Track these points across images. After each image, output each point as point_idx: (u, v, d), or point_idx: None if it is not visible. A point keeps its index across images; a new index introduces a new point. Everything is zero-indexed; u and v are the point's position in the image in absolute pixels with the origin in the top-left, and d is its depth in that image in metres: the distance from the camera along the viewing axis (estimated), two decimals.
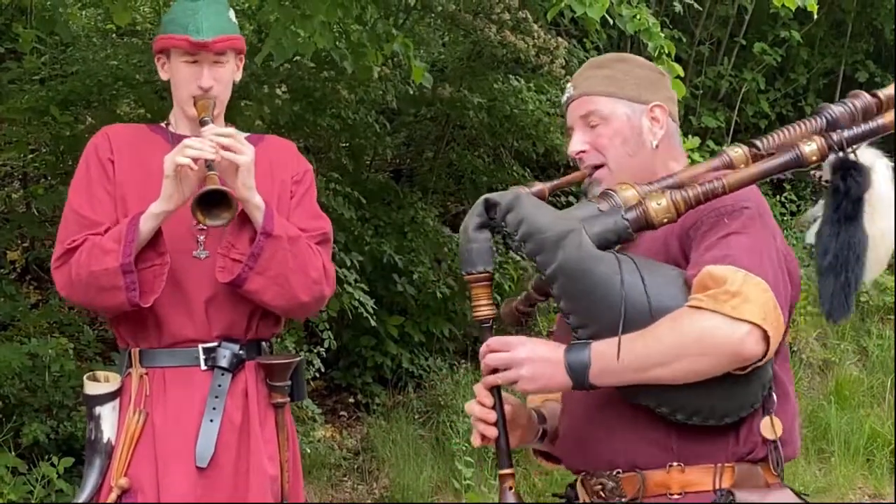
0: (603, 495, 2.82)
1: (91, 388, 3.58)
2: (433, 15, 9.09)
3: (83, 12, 9.63)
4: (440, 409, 8.15)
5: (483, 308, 2.77)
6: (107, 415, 3.55)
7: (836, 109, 2.78)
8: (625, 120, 2.95)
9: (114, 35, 9.20)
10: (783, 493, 2.80)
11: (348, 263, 7.52)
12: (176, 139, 3.60)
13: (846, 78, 12.08)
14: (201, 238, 3.58)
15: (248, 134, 3.73)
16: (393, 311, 8.51)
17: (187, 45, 3.56)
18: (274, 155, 3.73)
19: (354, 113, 8.37)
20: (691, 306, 2.60)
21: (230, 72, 3.68)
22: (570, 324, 2.70)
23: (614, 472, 2.80)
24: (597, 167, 2.96)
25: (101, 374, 3.63)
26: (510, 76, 9.11)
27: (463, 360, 8.76)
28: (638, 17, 6.01)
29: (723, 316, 2.56)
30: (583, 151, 2.97)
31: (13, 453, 6.14)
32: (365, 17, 6.69)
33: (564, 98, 3.05)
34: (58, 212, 7.83)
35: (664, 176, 2.83)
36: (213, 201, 3.34)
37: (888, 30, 11.75)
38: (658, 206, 2.69)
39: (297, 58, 7.26)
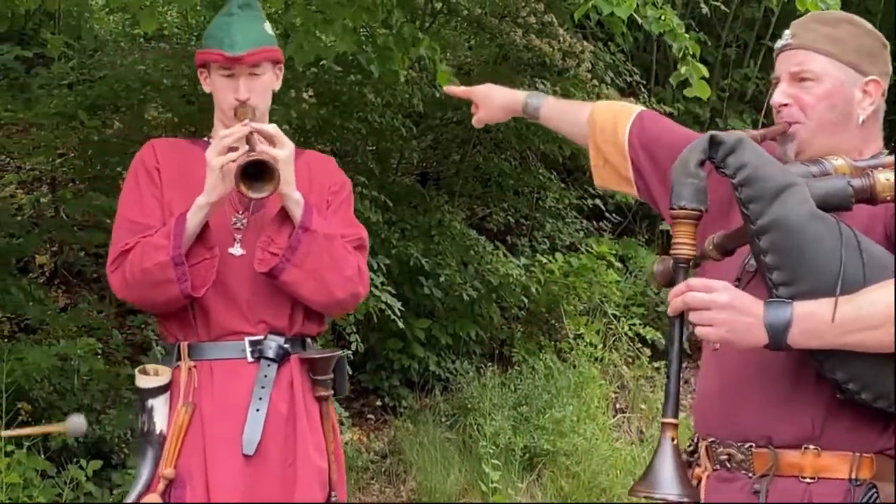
0: (728, 466, 2.79)
1: (143, 382, 3.68)
2: (459, 19, 9.10)
3: (111, 17, 9.69)
4: (467, 412, 8.15)
5: (684, 247, 2.61)
6: (159, 407, 3.65)
7: None
8: (838, 85, 2.84)
9: (141, 40, 9.24)
10: None
11: (375, 266, 7.53)
12: None
13: None
14: (238, 236, 3.71)
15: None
16: (420, 314, 8.51)
17: (222, 59, 3.67)
18: (314, 166, 3.86)
19: (381, 116, 8.39)
20: None
21: (268, 82, 3.77)
22: (771, 280, 2.60)
23: (746, 445, 2.76)
24: (791, 123, 2.87)
25: (150, 367, 3.74)
26: (536, 80, 9.09)
27: (490, 363, 8.76)
28: (663, 17, 6.00)
29: None
30: (785, 105, 2.87)
31: (42, 456, 6.15)
32: (391, 20, 6.71)
33: (779, 44, 2.94)
34: (86, 217, 7.90)
35: (873, 156, 2.80)
36: (255, 174, 3.47)
37: None
38: (887, 180, 2.62)
39: (324, 62, 7.28)
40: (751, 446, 2.75)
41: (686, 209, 2.60)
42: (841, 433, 2.68)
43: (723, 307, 2.57)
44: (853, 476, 2.67)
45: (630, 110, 3.29)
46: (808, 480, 2.69)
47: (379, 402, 8.36)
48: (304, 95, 7.72)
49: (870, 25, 2.94)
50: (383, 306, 7.34)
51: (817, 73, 2.83)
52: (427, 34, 7.18)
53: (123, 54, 8.61)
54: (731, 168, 2.61)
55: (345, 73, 7.95)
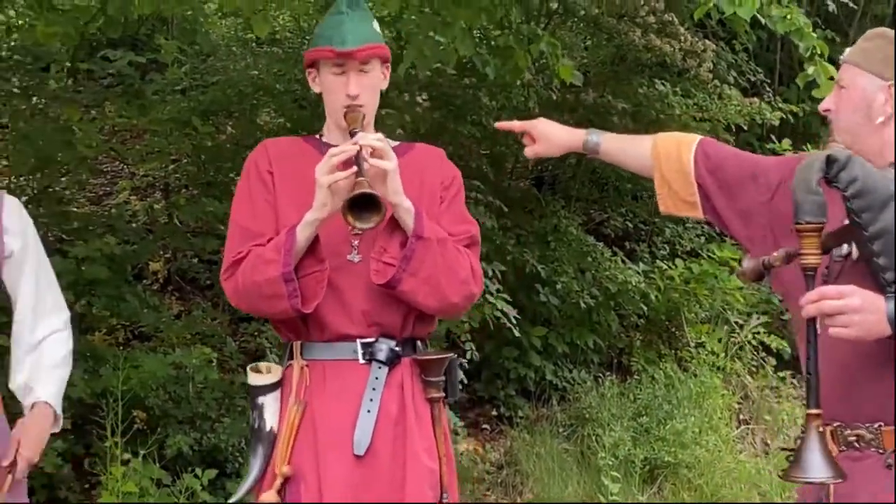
0: (858, 446, 3.09)
1: (254, 379, 3.79)
2: (575, 19, 9.10)
3: (223, 21, 9.84)
4: (585, 422, 8.13)
5: (811, 257, 2.93)
6: (269, 404, 3.76)
7: None
8: (860, 91, 3.21)
9: (254, 44, 9.38)
10: None
11: (490, 273, 7.54)
12: (327, 149, 3.75)
13: None
14: (355, 243, 3.75)
15: (398, 143, 3.94)
16: (536, 322, 8.52)
17: (333, 55, 3.74)
18: (423, 162, 3.91)
19: (495, 120, 8.40)
20: None
21: (376, 80, 3.84)
22: (884, 278, 2.93)
23: (875, 426, 3.07)
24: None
25: (262, 365, 3.84)
26: (655, 80, 9.07)
27: (608, 372, 8.73)
28: (788, 16, 5.95)
29: None
30: (828, 110, 3.29)
31: (158, 465, 6.26)
32: (507, 20, 6.74)
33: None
34: (200, 223, 8.04)
35: None
36: (362, 205, 3.53)
37: None
38: None
39: (438, 65, 7.33)
40: (880, 426, 3.06)
41: (811, 223, 2.92)
42: None
43: (856, 310, 2.89)
44: None
45: (691, 139, 3.61)
46: None
47: (494, 412, 8.39)
48: (418, 99, 7.77)
49: None
50: (499, 314, 7.35)
51: (847, 82, 3.26)
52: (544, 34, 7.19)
53: (236, 59, 8.76)
54: (843, 182, 2.94)
55: (459, 77, 7.99)
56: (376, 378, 3.71)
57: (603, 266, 8.67)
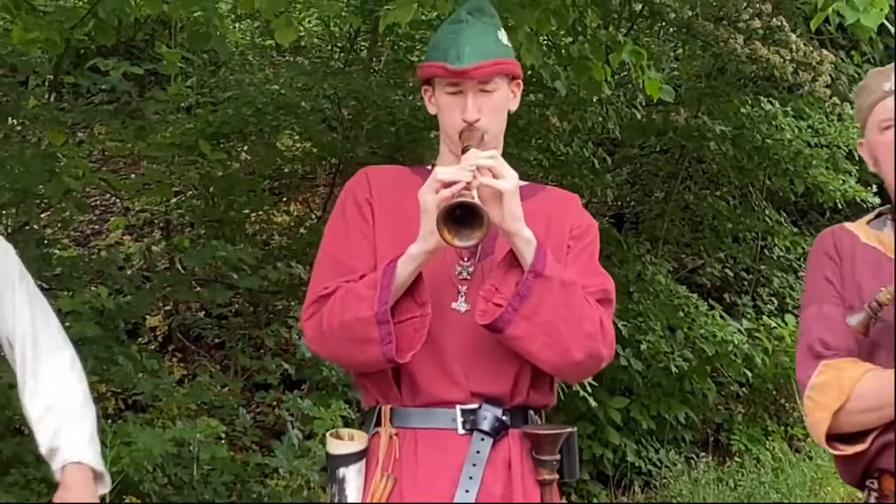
0: None
1: (335, 448, 3.80)
2: (664, 23, 9.10)
3: (237, 25, 9.87)
4: None
5: None
6: (352, 477, 3.76)
7: None
8: None
9: (274, 53, 9.42)
10: None
11: None
12: None
13: None
14: (463, 289, 3.76)
15: (528, 183, 3.91)
16: (615, 391, 8.50)
17: (444, 73, 3.74)
18: (553, 206, 3.90)
19: (567, 145, 8.41)
20: None
21: (502, 100, 3.81)
22: None
23: None
24: None
25: (345, 431, 3.83)
26: (761, 98, 9.06)
27: (703, 453, 8.71)
28: None
29: None
30: None
31: None
32: (581, 24, 6.73)
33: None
34: (207, 269, 8.05)
35: None
36: (463, 218, 3.51)
37: None
38: None
39: None
40: None
41: None
42: None
43: None
44: None
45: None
46: None
47: (563, 500, 8.36)
48: None
49: None
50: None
51: None
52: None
53: (252, 71, 8.77)
54: None
55: (523, 93, 7.99)
56: (478, 452, 3.68)
57: (697, 322, 8.65)
